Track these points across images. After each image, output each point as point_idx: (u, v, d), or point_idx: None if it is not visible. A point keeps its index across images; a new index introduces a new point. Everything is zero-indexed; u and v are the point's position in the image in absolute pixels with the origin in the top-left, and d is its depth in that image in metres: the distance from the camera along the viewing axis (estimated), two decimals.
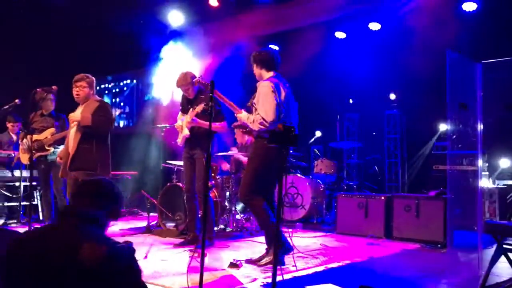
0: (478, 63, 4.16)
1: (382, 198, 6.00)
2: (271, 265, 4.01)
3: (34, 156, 6.09)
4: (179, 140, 5.18)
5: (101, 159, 4.68)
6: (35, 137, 6.08)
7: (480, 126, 4.53)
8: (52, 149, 6.09)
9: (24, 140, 6.20)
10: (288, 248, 4.20)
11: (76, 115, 4.63)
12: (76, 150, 4.60)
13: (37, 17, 7.39)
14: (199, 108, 4.86)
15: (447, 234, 5.27)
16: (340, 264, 4.45)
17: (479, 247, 4.74)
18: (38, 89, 4.79)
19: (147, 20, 8.56)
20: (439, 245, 5.35)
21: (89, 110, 4.67)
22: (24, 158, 6.30)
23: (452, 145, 4.89)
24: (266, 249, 4.32)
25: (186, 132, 5.04)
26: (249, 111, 4.26)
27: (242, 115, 4.24)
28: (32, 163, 4.87)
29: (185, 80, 5.05)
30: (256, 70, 4.37)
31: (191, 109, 5.00)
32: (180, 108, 5.35)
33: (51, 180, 6.24)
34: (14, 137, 7.21)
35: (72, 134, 4.69)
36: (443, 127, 8.01)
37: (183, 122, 5.09)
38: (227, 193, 6.30)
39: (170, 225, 6.11)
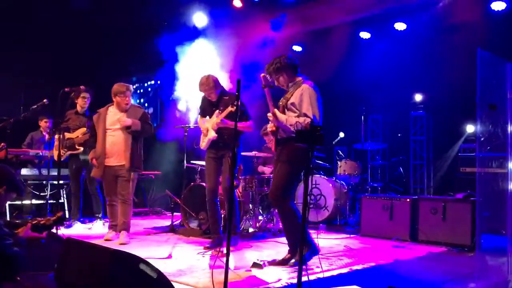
0: (509, 62, 4.05)
1: (408, 200, 5.90)
2: (295, 266, 4.00)
3: (65, 154, 6.33)
4: (203, 144, 5.13)
5: (142, 158, 5.48)
6: (67, 135, 6.31)
7: (510, 128, 4.41)
8: (81, 149, 6.22)
9: (56, 136, 6.35)
10: (315, 250, 4.18)
11: (127, 120, 5.24)
12: (131, 151, 5.26)
13: (63, 19, 7.50)
14: (230, 109, 4.82)
15: (474, 237, 5.15)
16: (365, 266, 4.40)
17: (508, 250, 4.63)
18: (65, 89, 4.88)
19: (171, 21, 8.62)
20: (466, 249, 5.24)
21: (135, 116, 5.32)
22: (56, 155, 6.43)
23: (481, 147, 4.77)
24: (289, 250, 4.29)
25: (212, 134, 5.00)
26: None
27: (282, 116, 4.17)
28: (60, 161, 4.95)
29: (208, 84, 5.03)
30: (283, 77, 4.29)
31: (217, 111, 4.98)
32: (200, 111, 5.34)
33: (82, 179, 6.36)
34: (47, 136, 7.33)
35: (118, 140, 5.29)
36: (470, 128, 7.85)
37: (209, 125, 5.07)
38: (250, 194, 6.28)
39: (194, 224, 6.14)
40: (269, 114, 4.21)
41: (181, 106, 8.61)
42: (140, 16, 7.74)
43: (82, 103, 6.44)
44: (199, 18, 8.96)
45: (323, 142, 2.82)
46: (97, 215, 6.44)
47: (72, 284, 2.82)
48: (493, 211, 5.05)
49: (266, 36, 8.50)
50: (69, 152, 6.37)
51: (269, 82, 4.24)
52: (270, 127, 4.32)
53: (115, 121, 5.34)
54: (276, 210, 4.39)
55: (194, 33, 9.23)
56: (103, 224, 6.29)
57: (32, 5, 7.34)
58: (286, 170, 4.16)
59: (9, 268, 2.80)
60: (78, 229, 6.24)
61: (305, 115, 4.08)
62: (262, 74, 4.26)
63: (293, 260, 4.17)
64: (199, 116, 5.33)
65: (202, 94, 5.23)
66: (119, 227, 5.34)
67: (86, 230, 6.20)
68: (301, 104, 4.13)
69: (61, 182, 6.81)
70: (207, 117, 5.13)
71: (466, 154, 7.36)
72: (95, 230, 6.19)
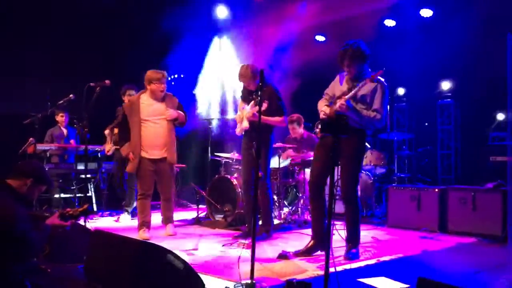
0: None
1: (436, 190, 5.79)
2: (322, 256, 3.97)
3: (111, 148, 6.57)
4: (238, 130, 5.17)
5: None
6: (115, 130, 6.49)
7: None
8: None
9: (106, 132, 6.66)
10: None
11: (173, 112, 5.09)
12: (170, 146, 5.11)
13: (90, 16, 7.59)
14: (264, 106, 4.77)
15: (506, 228, 5.02)
16: (393, 257, 4.34)
17: None
18: (91, 83, 4.93)
19: (194, 14, 8.62)
20: (498, 239, 5.10)
21: (173, 105, 5.15)
22: (106, 149, 6.73)
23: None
24: (312, 237, 4.31)
25: (245, 124, 5.01)
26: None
27: (356, 106, 4.13)
28: (87, 155, 5.03)
29: (246, 74, 5.03)
30: (355, 66, 4.15)
31: (253, 101, 4.97)
32: (241, 96, 5.33)
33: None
34: (65, 131, 7.46)
35: (160, 131, 5.08)
36: (500, 116, 7.64)
37: (244, 113, 5.06)
38: (275, 185, 6.26)
39: (219, 216, 6.16)
40: (342, 102, 4.05)
41: (202, 100, 8.66)
42: (162, 11, 7.76)
43: (127, 100, 6.37)
44: (221, 11, 8.95)
45: (348, 132, 2.77)
46: (126, 208, 6.47)
47: (101, 276, 2.86)
48: None
49: (288, 27, 8.42)
50: (114, 146, 6.56)
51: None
52: (327, 109, 4.17)
53: (152, 111, 5.11)
54: (343, 202, 4.33)
55: (217, 27, 9.25)
56: (131, 218, 6.37)
57: (57, 3, 7.44)
58: (355, 164, 4.18)
59: (25, 250, 2.88)
60: (105, 222, 6.33)
61: (376, 110, 4.08)
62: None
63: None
64: (241, 100, 5.32)
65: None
66: (165, 221, 5.30)
67: (113, 223, 6.29)
68: (373, 100, 4.11)
69: (88, 176, 6.92)
70: (246, 105, 5.12)
71: (496, 143, 7.16)
72: (122, 222, 6.27)
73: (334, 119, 2.65)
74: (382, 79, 4.20)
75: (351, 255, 4.13)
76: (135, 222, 5.55)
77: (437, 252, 4.71)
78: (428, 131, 8.79)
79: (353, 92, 4.08)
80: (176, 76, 10.17)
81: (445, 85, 8.52)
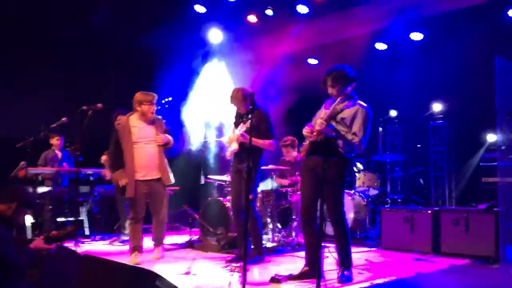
0: None
1: (429, 212, 5.79)
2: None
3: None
4: (228, 154, 5.22)
5: None
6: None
7: None
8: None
9: (103, 157, 6.65)
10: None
11: (163, 138, 5.13)
12: (163, 167, 5.13)
13: (85, 39, 7.66)
14: (248, 124, 4.82)
15: (499, 249, 5.01)
16: (386, 280, 4.31)
17: None
18: (83, 107, 4.95)
19: (187, 38, 8.71)
20: (491, 261, 5.09)
21: (162, 129, 5.20)
22: (106, 174, 6.71)
23: (503, 156, 4.67)
24: (305, 264, 4.26)
25: (235, 146, 5.05)
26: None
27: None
28: (79, 178, 5.01)
29: (237, 97, 5.10)
30: (338, 88, 4.23)
31: (242, 123, 5.01)
32: (234, 122, 5.38)
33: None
34: (59, 154, 7.43)
35: (152, 153, 5.09)
36: (491, 137, 7.69)
37: (233, 136, 5.12)
38: (268, 208, 6.24)
39: (212, 240, 6.11)
40: (320, 121, 4.09)
41: (195, 122, 8.67)
42: (153, 34, 7.83)
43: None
44: (214, 35, 9.04)
45: (337, 154, 2.79)
46: (124, 231, 6.41)
47: None
48: None
49: (282, 50, 8.52)
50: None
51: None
52: (308, 132, 4.15)
53: (144, 134, 5.11)
54: (332, 226, 4.31)
55: (210, 50, 9.33)
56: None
57: (53, 26, 7.49)
58: (341, 189, 4.21)
59: (7, 272, 2.87)
60: (97, 246, 6.27)
61: (355, 134, 4.10)
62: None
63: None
64: (234, 127, 5.36)
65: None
66: (156, 242, 5.29)
67: (105, 247, 6.22)
68: (353, 122, 4.14)
69: (80, 199, 6.88)
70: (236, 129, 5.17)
71: (488, 164, 7.20)
72: (119, 247, 6.20)
73: (324, 141, 2.66)
74: (364, 104, 4.26)
75: (344, 278, 4.11)
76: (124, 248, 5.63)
77: (430, 274, 4.68)
78: (420, 152, 8.82)
79: (330, 109, 4.15)
80: (170, 98, 10.22)
81: (437, 107, 8.59)
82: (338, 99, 4.18)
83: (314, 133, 4.05)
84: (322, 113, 4.31)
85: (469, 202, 6.49)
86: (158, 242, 5.31)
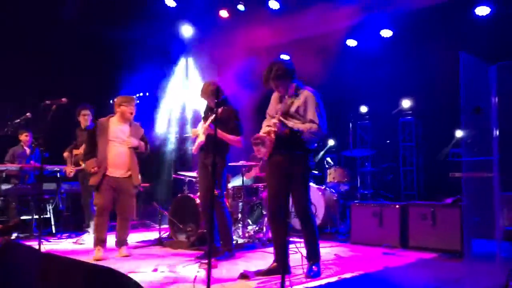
0: (493, 65, 4.05)
1: (397, 206, 5.86)
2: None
3: (73, 171, 6.40)
4: (194, 147, 5.15)
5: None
6: (75, 151, 6.42)
7: (495, 131, 4.40)
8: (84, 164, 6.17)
9: (65, 154, 6.49)
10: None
11: (134, 141, 5.29)
12: (134, 167, 5.28)
13: (51, 30, 7.45)
14: (212, 117, 4.79)
15: (464, 243, 5.11)
16: (354, 274, 4.33)
17: (498, 255, 4.59)
18: (46, 101, 4.82)
19: (157, 33, 8.60)
20: (457, 254, 5.19)
21: (138, 135, 5.41)
22: (67, 172, 6.50)
23: (467, 151, 4.76)
24: (274, 259, 4.24)
25: (201, 138, 5.00)
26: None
27: (289, 122, 4.08)
28: (42, 175, 4.88)
29: (206, 91, 5.06)
30: (283, 84, 4.17)
31: (210, 117, 4.97)
32: (202, 116, 5.32)
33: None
34: (28, 150, 7.25)
35: (123, 152, 5.27)
36: (459, 133, 7.85)
37: (200, 129, 5.07)
38: (239, 204, 6.22)
39: (182, 236, 6.05)
40: (274, 121, 4.06)
41: (166, 118, 8.59)
42: (123, 28, 7.69)
43: (83, 120, 6.47)
44: (186, 30, 8.95)
45: (301, 148, 2.77)
46: (87, 228, 6.32)
47: None
48: (483, 216, 5.03)
49: (253, 45, 8.49)
50: (75, 169, 6.41)
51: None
52: (266, 132, 4.12)
53: (120, 133, 5.29)
54: (299, 221, 4.29)
55: (182, 45, 9.24)
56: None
57: (21, 16, 7.28)
58: (304, 183, 4.16)
59: None
60: (66, 245, 6.13)
61: (312, 121, 4.06)
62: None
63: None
64: (202, 121, 5.30)
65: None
66: (119, 243, 5.26)
67: (72, 245, 6.09)
68: (306, 110, 4.10)
69: (46, 196, 6.72)
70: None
71: (455, 159, 7.35)
72: (85, 244, 6.08)
73: (288, 136, 2.64)
74: (309, 88, 4.22)
75: (313, 273, 4.11)
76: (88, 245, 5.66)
77: (398, 268, 4.74)
78: (390, 148, 8.94)
79: (281, 108, 4.15)
80: (141, 94, 10.09)
81: (406, 103, 8.71)
82: (287, 96, 4.16)
83: (272, 135, 4.03)
84: (275, 108, 4.28)
85: (438, 197, 6.61)
86: (122, 243, 5.27)
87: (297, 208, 4.20)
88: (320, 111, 4.15)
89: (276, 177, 4.20)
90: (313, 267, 4.16)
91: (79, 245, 6.05)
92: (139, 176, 5.37)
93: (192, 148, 5.21)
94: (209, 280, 2.83)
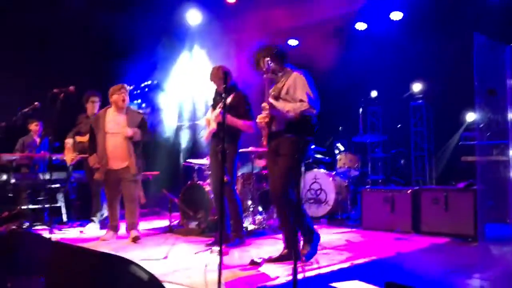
0: (508, 45, 3.94)
1: (409, 191, 5.80)
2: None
3: (76, 158, 6.42)
4: (206, 135, 5.11)
5: (143, 160, 5.58)
6: (79, 138, 6.41)
7: (510, 114, 4.31)
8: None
9: (68, 140, 6.47)
10: (317, 237, 4.20)
11: (129, 131, 5.28)
12: (130, 158, 5.30)
13: (57, 18, 7.40)
14: (227, 101, 4.73)
15: (477, 227, 5.05)
16: (367, 260, 4.30)
17: None
18: (54, 90, 4.81)
19: (166, 18, 8.52)
20: (470, 239, 5.13)
21: (135, 123, 5.38)
22: (68, 158, 6.48)
23: (481, 135, 4.67)
24: (285, 246, 4.21)
25: (213, 125, 4.96)
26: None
27: (279, 104, 4.05)
28: (51, 164, 4.89)
29: (217, 75, 4.99)
30: (272, 65, 4.13)
31: (220, 103, 4.92)
32: (212, 103, 5.28)
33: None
34: (38, 140, 7.26)
35: (119, 143, 5.31)
36: (470, 116, 7.73)
37: (211, 117, 5.02)
38: (249, 190, 6.18)
39: (192, 224, 6.04)
40: (264, 104, 4.05)
41: (173, 105, 8.54)
42: (133, 16, 7.63)
43: (91, 107, 6.49)
44: (193, 16, 8.85)
45: (314, 133, 2.72)
46: (93, 218, 6.36)
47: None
48: (496, 200, 4.96)
49: (261, 31, 8.39)
50: (80, 156, 6.42)
51: (270, 69, 4.10)
52: (261, 118, 4.10)
53: (115, 125, 5.38)
54: (274, 205, 4.26)
55: (189, 31, 9.15)
56: (99, 228, 6.24)
57: (25, 7, 7.23)
58: (287, 165, 4.02)
59: None
60: (73, 233, 6.16)
61: (301, 101, 3.99)
62: (267, 59, 4.10)
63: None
64: (211, 107, 5.25)
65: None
66: (129, 227, 5.44)
67: (81, 234, 6.11)
68: (295, 91, 4.05)
69: (57, 185, 6.74)
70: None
71: (466, 143, 7.24)
72: (88, 233, 6.11)
73: (299, 120, 2.60)
74: (298, 70, 4.20)
75: (307, 255, 4.06)
76: (102, 232, 5.79)
77: (411, 253, 4.70)
78: (401, 133, 8.85)
79: (271, 92, 4.14)
80: (150, 82, 10.04)
81: (417, 87, 8.59)
82: (279, 77, 4.19)
83: (266, 118, 4.04)
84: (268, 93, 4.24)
85: (449, 181, 6.53)
86: (131, 226, 5.44)
87: (271, 191, 4.17)
88: (311, 89, 4.08)
89: (270, 162, 4.22)
90: (308, 248, 4.08)
91: (86, 234, 6.08)
92: (135, 166, 5.36)
93: (204, 136, 5.17)
94: (220, 267, 2.80)
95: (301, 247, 4.10)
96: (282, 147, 4.05)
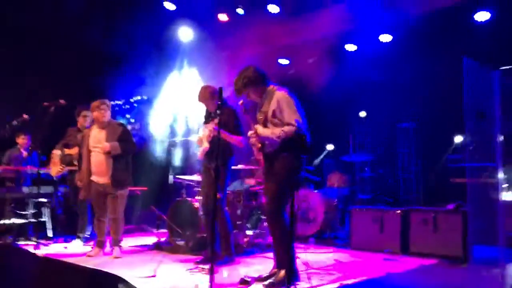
0: (496, 70, 4.02)
1: (398, 211, 5.81)
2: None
3: (63, 170, 6.36)
4: (199, 153, 5.11)
5: (130, 173, 5.53)
6: (67, 151, 6.37)
7: (499, 136, 4.37)
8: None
9: (56, 151, 6.40)
10: (296, 276, 3.99)
11: (106, 146, 5.27)
12: (113, 173, 5.31)
13: (50, 32, 7.37)
14: (217, 120, 4.75)
15: (466, 249, 5.07)
16: (356, 280, 4.28)
17: (500, 262, 4.55)
18: (44, 103, 4.78)
19: (158, 36, 8.54)
20: (459, 260, 5.14)
21: (115, 136, 5.34)
22: (54, 171, 6.41)
23: (470, 157, 4.72)
24: (274, 265, 4.15)
25: (205, 144, 4.97)
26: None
27: (266, 130, 3.99)
28: (40, 178, 4.84)
29: (204, 95, 5.05)
30: (253, 91, 4.13)
31: (211, 121, 4.93)
32: (204, 121, 5.28)
33: None
34: (24, 153, 7.15)
35: (101, 159, 5.33)
36: (458, 139, 7.82)
37: (203, 135, 5.03)
38: (239, 208, 6.15)
39: (180, 241, 5.97)
40: (251, 132, 4.04)
41: (164, 121, 8.52)
42: (123, 33, 7.63)
43: (82, 121, 6.49)
44: (185, 33, 8.89)
45: (309, 151, 2.72)
46: (79, 234, 6.27)
47: None
48: (484, 222, 4.99)
49: (252, 50, 8.45)
50: (67, 168, 6.37)
51: (248, 108, 4.12)
52: (253, 142, 4.08)
53: (96, 141, 5.42)
54: (267, 224, 4.19)
55: (180, 49, 9.18)
56: (83, 245, 6.17)
57: (20, 17, 7.19)
58: (280, 183, 3.96)
59: None
60: (57, 248, 6.05)
61: (289, 124, 3.90)
62: (241, 102, 4.11)
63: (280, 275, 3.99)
64: (203, 125, 5.25)
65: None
66: (112, 243, 5.43)
67: (64, 250, 6.01)
68: (281, 113, 3.97)
69: (43, 200, 6.64)
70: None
71: (454, 165, 7.32)
72: (72, 249, 6.02)
73: (293, 138, 2.61)
74: (281, 89, 4.09)
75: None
76: (87, 248, 5.80)
77: (400, 274, 4.69)
78: (389, 153, 8.91)
79: (258, 117, 4.11)
80: (139, 97, 10.02)
81: (405, 109, 8.68)
82: (262, 103, 4.13)
83: (259, 151, 4.01)
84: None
85: (436, 203, 6.56)
86: (114, 242, 5.45)
87: (265, 208, 4.13)
88: (296, 110, 3.97)
89: (265, 179, 4.16)
90: (280, 273, 3.96)
91: (69, 250, 5.98)
92: (114, 181, 5.34)
93: (198, 154, 5.17)
94: (211, 286, 2.77)
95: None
96: (277, 166, 3.99)
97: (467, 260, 4.99)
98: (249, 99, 4.21)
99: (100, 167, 5.38)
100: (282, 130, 3.86)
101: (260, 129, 4.03)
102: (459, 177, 6.32)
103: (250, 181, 6.80)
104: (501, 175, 4.21)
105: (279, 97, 4.02)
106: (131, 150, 5.55)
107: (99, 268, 2.85)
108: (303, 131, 3.90)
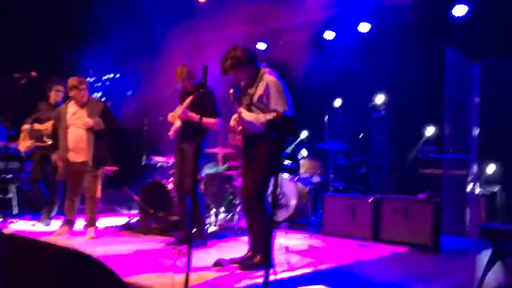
0: (477, 62, 4.06)
1: (370, 199, 5.87)
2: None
3: (32, 145, 6.14)
4: (171, 132, 5.00)
5: (110, 151, 5.41)
6: (37, 126, 6.14)
7: (475, 130, 4.44)
8: (49, 141, 5.94)
9: (26, 126, 6.18)
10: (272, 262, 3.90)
11: (89, 121, 5.14)
12: (95, 151, 5.18)
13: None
14: (189, 99, 4.68)
15: (436, 238, 5.17)
16: (329, 266, 4.30)
17: (468, 251, 4.67)
18: (15, 74, 4.57)
19: (135, 15, 8.33)
20: (429, 249, 5.23)
21: (96, 112, 5.22)
22: (23, 146, 6.20)
23: (446, 148, 4.79)
24: (249, 248, 4.12)
25: (178, 123, 4.87)
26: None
27: (250, 115, 3.89)
28: (7, 153, 4.64)
29: (182, 74, 4.93)
30: (242, 73, 3.99)
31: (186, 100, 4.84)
32: (180, 99, 5.15)
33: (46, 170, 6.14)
34: None
35: (81, 135, 5.18)
36: (430, 130, 7.93)
37: (177, 113, 4.92)
38: (212, 191, 6.10)
39: (152, 222, 5.88)
40: (235, 116, 3.94)
41: (139, 100, 8.34)
42: (100, 8, 7.41)
43: (54, 95, 6.27)
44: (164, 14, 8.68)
45: (296, 133, 2.68)
46: (49, 214, 6.10)
47: (20, 283, 2.58)
48: (453, 213, 5.09)
49: (230, 32, 8.33)
50: (36, 143, 6.15)
51: (237, 97, 3.99)
52: (233, 125, 4.01)
53: (76, 117, 5.25)
54: (246, 209, 4.10)
55: (157, 29, 8.97)
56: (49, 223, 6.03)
57: None
58: (262, 168, 3.90)
59: None
60: (23, 226, 5.88)
61: (275, 111, 3.81)
62: (232, 90, 3.95)
63: (257, 259, 3.98)
64: (179, 105, 5.13)
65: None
66: (87, 223, 5.30)
67: (31, 227, 5.84)
68: (268, 99, 3.87)
69: (9, 176, 6.43)
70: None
71: (425, 156, 7.42)
72: (40, 227, 5.86)
73: (280, 120, 2.57)
74: (271, 73, 4.01)
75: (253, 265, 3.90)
76: (53, 227, 5.72)
77: (371, 261, 4.75)
78: (363, 141, 8.98)
79: (244, 101, 3.98)
80: (112, 75, 9.78)
81: (380, 99, 8.76)
82: (250, 85, 4.00)
83: (239, 134, 3.94)
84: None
85: (407, 192, 6.65)
86: (89, 222, 5.31)
87: (244, 193, 4.03)
88: (284, 97, 3.91)
89: (245, 164, 4.09)
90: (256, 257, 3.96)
91: (45, 227, 5.83)
92: (94, 160, 5.21)
93: (170, 133, 5.04)
94: (188, 269, 2.72)
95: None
96: (259, 150, 3.90)
97: (438, 249, 5.09)
98: (236, 80, 4.09)
99: (79, 144, 5.21)
100: (266, 119, 3.77)
101: (245, 113, 3.92)
102: (430, 167, 6.42)
103: (224, 165, 6.74)
104: (475, 168, 4.28)
105: (269, 81, 3.92)
106: (113, 126, 5.43)
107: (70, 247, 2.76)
108: (289, 117, 3.77)
